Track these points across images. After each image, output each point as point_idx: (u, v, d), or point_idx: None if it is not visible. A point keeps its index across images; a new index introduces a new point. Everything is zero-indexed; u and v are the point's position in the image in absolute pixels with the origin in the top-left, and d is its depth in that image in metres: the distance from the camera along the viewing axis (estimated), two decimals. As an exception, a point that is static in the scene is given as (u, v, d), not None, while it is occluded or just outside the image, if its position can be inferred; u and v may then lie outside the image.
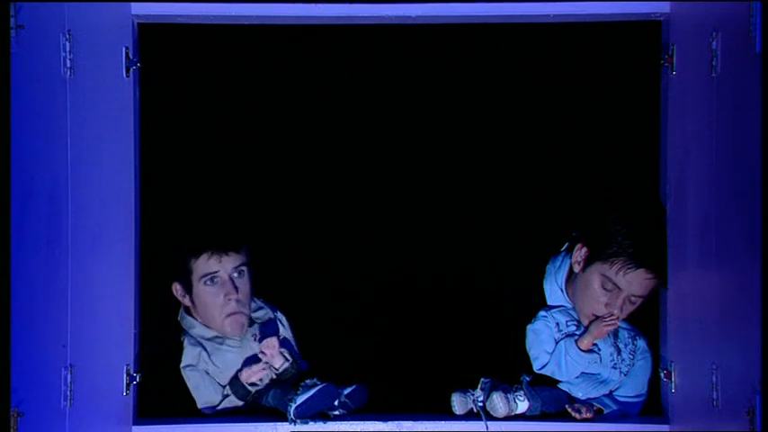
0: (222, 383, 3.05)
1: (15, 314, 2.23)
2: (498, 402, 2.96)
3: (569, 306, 3.12)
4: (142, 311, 2.94)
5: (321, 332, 3.28)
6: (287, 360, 3.03)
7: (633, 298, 3.02)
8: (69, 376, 2.51)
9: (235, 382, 3.03)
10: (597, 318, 3.04)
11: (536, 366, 3.08)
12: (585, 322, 3.08)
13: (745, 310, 2.25)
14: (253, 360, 3.04)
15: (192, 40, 3.34)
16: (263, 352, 3.01)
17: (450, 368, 3.17)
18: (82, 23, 2.57)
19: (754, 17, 2.24)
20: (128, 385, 2.85)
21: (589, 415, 2.98)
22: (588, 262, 3.05)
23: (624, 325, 3.09)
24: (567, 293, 3.13)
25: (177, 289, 3.11)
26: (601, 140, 3.59)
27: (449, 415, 3.01)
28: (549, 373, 3.07)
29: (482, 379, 3.01)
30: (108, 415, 2.77)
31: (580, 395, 3.06)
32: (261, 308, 3.17)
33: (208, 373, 3.05)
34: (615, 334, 3.08)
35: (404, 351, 3.40)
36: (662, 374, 2.96)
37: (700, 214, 2.61)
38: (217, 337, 3.08)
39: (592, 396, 3.06)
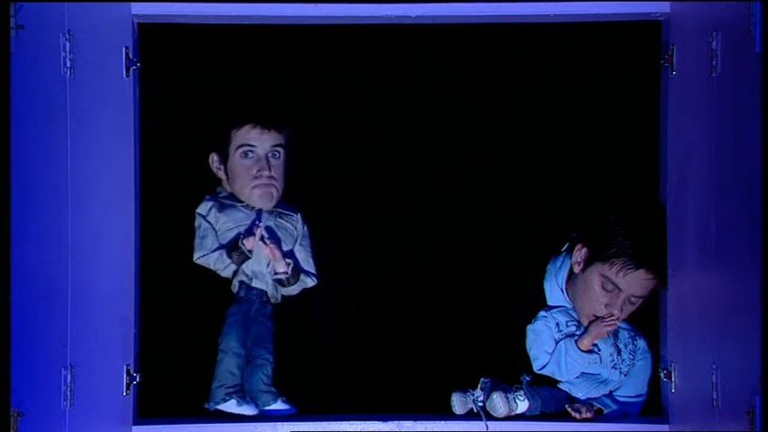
0: (219, 238, 3.06)
1: (15, 314, 2.23)
2: (498, 402, 2.96)
3: (569, 306, 3.12)
4: (142, 311, 2.94)
5: (321, 334, 3.28)
6: (285, 272, 3.05)
7: (633, 298, 3.02)
8: (69, 376, 2.51)
9: (234, 242, 3.03)
10: (597, 318, 3.04)
11: (536, 366, 3.08)
12: (585, 322, 3.08)
13: (745, 310, 2.25)
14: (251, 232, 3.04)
15: (191, 40, 3.33)
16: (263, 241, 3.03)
17: (450, 368, 3.17)
18: (82, 23, 2.57)
19: (754, 17, 2.24)
20: (128, 385, 2.85)
21: (589, 415, 2.98)
22: (588, 262, 3.05)
23: (624, 325, 3.09)
24: (568, 294, 3.13)
25: (214, 159, 3.17)
26: (601, 140, 3.59)
27: (449, 415, 3.01)
28: (548, 374, 3.07)
29: (482, 379, 3.01)
30: (108, 415, 2.77)
31: (580, 395, 3.06)
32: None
33: (212, 226, 3.06)
34: (615, 334, 3.08)
35: (404, 351, 3.40)
36: (662, 374, 2.95)
37: (700, 214, 2.61)
38: (235, 198, 3.11)
39: (592, 396, 3.06)
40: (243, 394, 2.98)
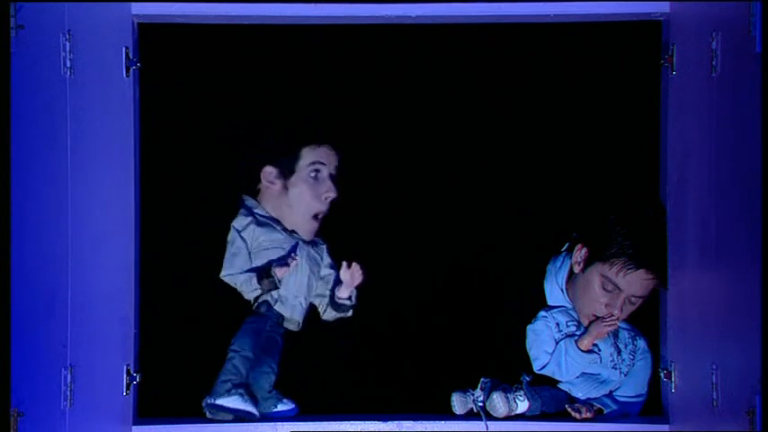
0: (251, 257, 3.06)
1: (15, 314, 2.23)
2: (498, 402, 2.96)
3: (569, 306, 3.12)
4: (142, 311, 2.94)
5: (320, 333, 3.28)
6: (350, 299, 3.11)
7: (633, 298, 3.02)
8: (69, 376, 2.51)
9: (266, 269, 3.03)
10: (597, 318, 3.04)
11: (536, 367, 3.08)
12: (585, 322, 3.08)
13: (745, 310, 2.25)
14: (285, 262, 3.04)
15: (192, 40, 3.33)
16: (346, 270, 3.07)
17: (451, 368, 3.17)
18: (82, 23, 2.57)
19: (754, 17, 2.24)
20: (128, 385, 2.85)
21: (589, 415, 2.98)
22: (588, 262, 3.05)
23: (624, 325, 3.09)
24: (568, 294, 3.13)
25: (270, 172, 3.13)
26: (601, 141, 3.58)
27: (449, 415, 3.01)
28: (549, 374, 3.07)
29: (482, 379, 3.01)
30: (108, 415, 2.77)
31: (580, 395, 3.06)
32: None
33: (245, 243, 3.06)
34: (615, 334, 3.08)
35: (404, 351, 3.40)
36: (662, 374, 2.96)
37: (700, 214, 2.61)
38: (274, 218, 3.11)
39: (592, 396, 3.06)
40: (247, 393, 2.98)
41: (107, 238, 2.74)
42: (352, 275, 3.08)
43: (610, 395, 3.08)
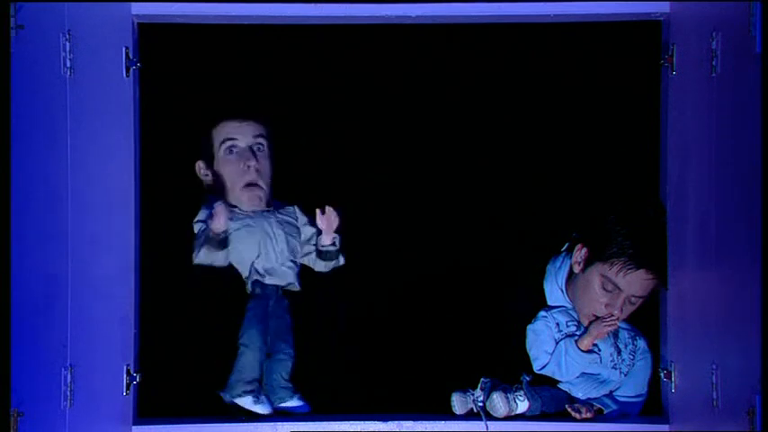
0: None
1: (15, 314, 2.23)
2: (498, 402, 2.96)
3: (569, 306, 3.12)
4: (142, 311, 2.94)
5: (320, 333, 3.28)
6: (333, 244, 3.08)
7: (633, 298, 3.02)
8: (69, 376, 2.51)
9: (207, 234, 3.02)
10: (597, 318, 3.04)
11: (536, 367, 3.08)
12: (585, 322, 3.08)
13: (745, 310, 2.25)
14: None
15: (192, 40, 3.33)
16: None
17: (451, 368, 3.17)
18: (82, 23, 2.57)
19: (754, 17, 2.24)
20: (128, 385, 2.85)
21: (589, 415, 2.98)
22: (588, 262, 3.05)
23: (624, 325, 3.09)
24: (567, 294, 3.13)
25: (200, 166, 3.18)
26: (601, 140, 3.59)
27: (449, 415, 3.01)
28: (549, 374, 3.07)
29: (482, 379, 3.01)
30: (108, 415, 2.77)
31: (580, 395, 3.06)
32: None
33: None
34: (615, 334, 3.08)
35: (404, 351, 3.40)
36: (662, 374, 2.96)
37: (700, 214, 2.61)
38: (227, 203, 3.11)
39: (592, 396, 3.06)
40: (259, 392, 2.98)
41: (107, 237, 2.74)
42: (328, 220, 3.05)
43: (610, 395, 3.08)
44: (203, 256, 3.04)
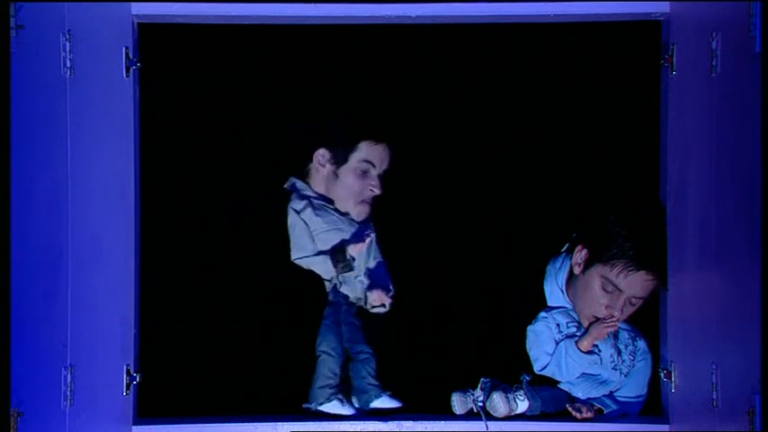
0: (313, 238, 3.10)
1: (15, 314, 2.23)
2: (499, 402, 2.96)
3: (570, 307, 3.12)
4: (142, 311, 2.94)
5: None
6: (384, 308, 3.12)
7: (634, 299, 3.01)
8: (69, 376, 2.51)
9: (339, 249, 3.08)
10: (597, 319, 3.04)
11: (536, 368, 3.07)
12: (586, 323, 3.07)
13: (745, 310, 2.25)
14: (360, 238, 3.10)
15: (192, 40, 3.33)
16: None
17: (451, 368, 3.17)
18: (82, 23, 2.57)
19: (754, 17, 2.24)
20: (128, 385, 2.85)
21: (590, 414, 2.98)
22: (588, 264, 3.05)
23: (624, 326, 3.09)
24: (568, 294, 3.13)
25: (323, 154, 3.19)
26: (601, 141, 3.58)
27: (449, 415, 3.00)
28: (549, 375, 3.07)
29: (482, 379, 3.01)
30: (108, 415, 2.77)
31: (580, 395, 3.06)
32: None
33: (306, 225, 3.10)
34: (615, 335, 3.08)
35: (404, 351, 3.40)
36: (662, 374, 2.95)
37: (700, 214, 2.61)
38: (326, 198, 3.16)
39: (592, 396, 3.06)
40: (343, 395, 3.00)
41: (107, 238, 2.74)
42: (380, 297, 3.12)
43: (610, 395, 3.08)
44: (317, 263, 3.09)
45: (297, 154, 3.24)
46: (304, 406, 3.00)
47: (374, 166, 3.18)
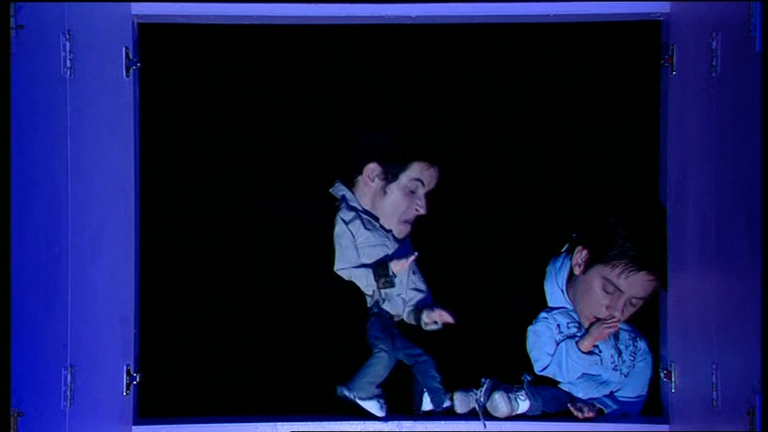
0: (358, 251, 3.10)
1: (15, 314, 2.23)
2: (500, 402, 2.96)
3: (570, 307, 3.12)
4: (142, 311, 2.94)
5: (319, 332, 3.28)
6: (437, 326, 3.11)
7: (634, 300, 3.01)
8: (69, 376, 2.51)
9: (381, 264, 3.08)
10: (598, 320, 3.04)
11: (537, 368, 3.07)
12: (586, 324, 3.07)
13: (745, 310, 2.25)
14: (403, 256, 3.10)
15: (192, 40, 3.33)
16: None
17: (451, 368, 3.17)
18: (82, 23, 2.57)
19: (754, 17, 2.24)
20: (128, 385, 2.85)
21: (591, 414, 2.98)
22: (589, 264, 3.05)
23: (625, 326, 3.09)
24: (568, 295, 3.13)
25: (373, 168, 3.18)
26: (601, 141, 3.59)
27: (449, 415, 3.00)
28: (550, 375, 3.07)
29: (483, 379, 3.01)
30: (108, 415, 2.77)
31: (581, 396, 3.06)
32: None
33: (353, 236, 3.10)
34: (616, 335, 3.08)
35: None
36: (662, 374, 2.95)
37: (700, 214, 2.60)
38: (372, 215, 3.16)
39: (592, 396, 3.06)
40: (383, 397, 2.99)
41: (107, 237, 2.74)
42: (441, 317, 3.11)
43: (610, 395, 3.08)
44: (357, 276, 3.09)
45: (349, 165, 3.23)
46: (339, 389, 2.98)
47: (423, 185, 3.19)
